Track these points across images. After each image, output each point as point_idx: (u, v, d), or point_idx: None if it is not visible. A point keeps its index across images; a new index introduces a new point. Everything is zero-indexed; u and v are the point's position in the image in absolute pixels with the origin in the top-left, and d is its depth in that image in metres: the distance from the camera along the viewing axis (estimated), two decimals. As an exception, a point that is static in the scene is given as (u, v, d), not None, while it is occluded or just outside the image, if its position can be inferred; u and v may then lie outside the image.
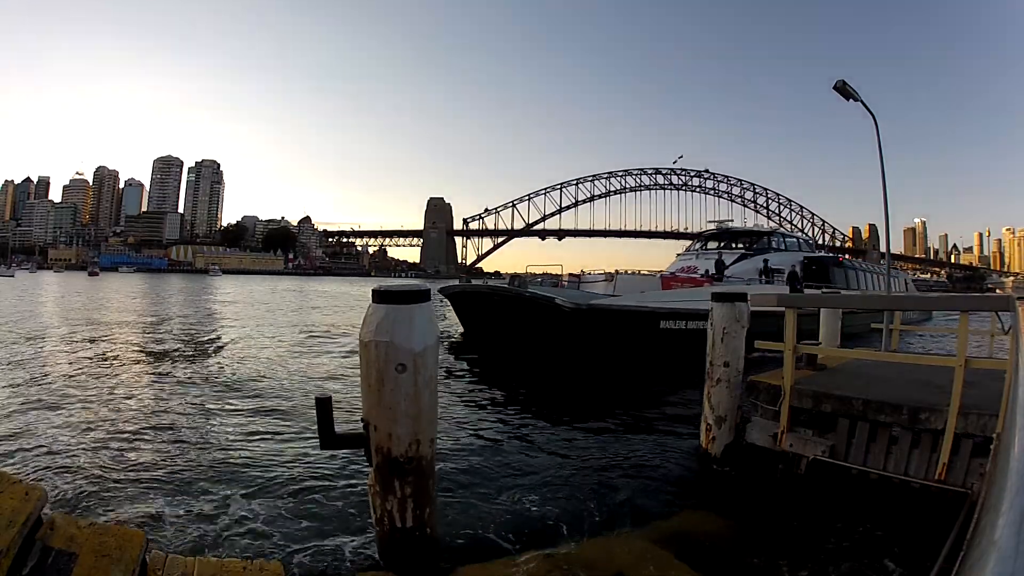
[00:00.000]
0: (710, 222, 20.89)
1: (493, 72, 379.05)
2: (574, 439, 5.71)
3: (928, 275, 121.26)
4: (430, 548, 2.88)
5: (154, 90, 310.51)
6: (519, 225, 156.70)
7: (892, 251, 12.43)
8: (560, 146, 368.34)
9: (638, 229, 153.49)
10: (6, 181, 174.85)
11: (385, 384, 2.66)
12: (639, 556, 3.21)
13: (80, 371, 8.68)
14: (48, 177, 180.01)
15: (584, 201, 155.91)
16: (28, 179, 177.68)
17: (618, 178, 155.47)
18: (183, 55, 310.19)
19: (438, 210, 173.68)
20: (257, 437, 5.46)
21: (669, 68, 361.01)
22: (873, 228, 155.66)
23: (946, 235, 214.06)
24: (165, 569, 2.22)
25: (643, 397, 7.77)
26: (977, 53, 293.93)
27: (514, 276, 12.71)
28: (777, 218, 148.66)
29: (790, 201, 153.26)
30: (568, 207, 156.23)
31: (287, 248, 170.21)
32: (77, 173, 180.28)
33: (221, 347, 12.12)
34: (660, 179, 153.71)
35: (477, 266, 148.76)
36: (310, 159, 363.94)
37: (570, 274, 14.45)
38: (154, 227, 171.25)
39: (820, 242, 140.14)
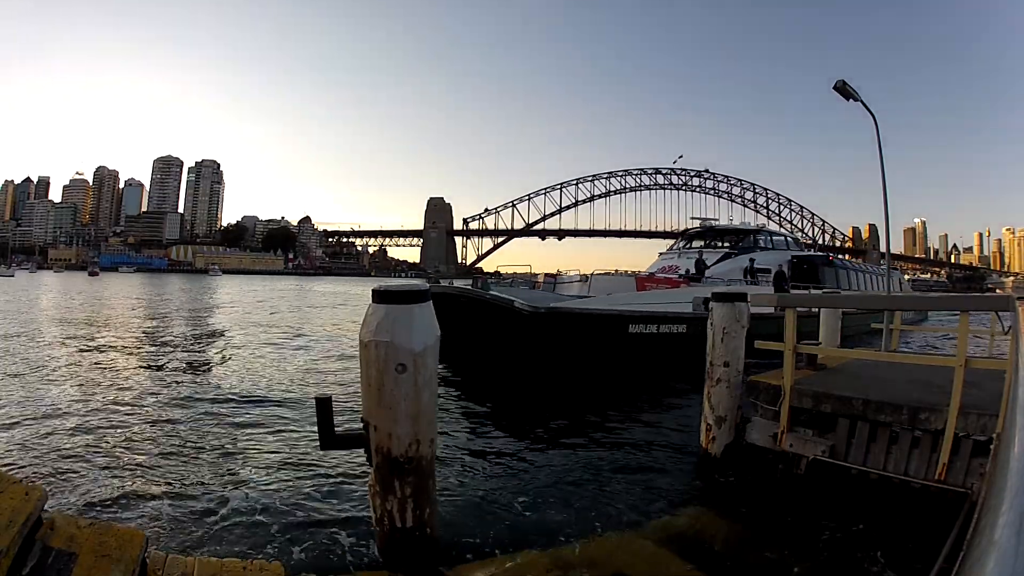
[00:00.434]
0: (693, 218, 20.06)
1: (493, 72, 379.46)
2: (573, 439, 5.71)
3: (928, 275, 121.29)
4: (430, 548, 2.88)
5: (154, 88, 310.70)
6: (519, 225, 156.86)
7: (892, 251, 12.36)
8: (560, 146, 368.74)
9: (638, 229, 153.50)
10: (6, 181, 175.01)
11: (385, 384, 2.66)
12: (639, 556, 3.21)
13: (80, 371, 8.68)
14: (48, 177, 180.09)
15: (584, 201, 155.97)
16: (28, 179, 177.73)
17: (618, 178, 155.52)
18: (183, 54, 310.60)
19: (438, 210, 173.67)
20: (257, 437, 5.46)
21: (669, 68, 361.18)
22: (873, 228, 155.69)
23: (946, 235, 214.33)
24: (165, 569, 2.22)
25: (643, 397, 7.77)
26: (977, 53, 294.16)
27: (476, 277, 11.94)
28: (777, 218, 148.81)
29: (790, 201, 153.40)
30: (568, 207, 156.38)
31: (287, 248, 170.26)
32: (77, 173, 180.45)
33: (221, 347, 12.12)
34: (660, 179, 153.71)
35: (477, 266, 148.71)
36: (310, 159, 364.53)
37: (546, 274, 14.01)
38: (154, 227, 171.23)
39: (820, 242, 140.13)
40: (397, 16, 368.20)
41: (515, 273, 14.27)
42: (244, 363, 10.01)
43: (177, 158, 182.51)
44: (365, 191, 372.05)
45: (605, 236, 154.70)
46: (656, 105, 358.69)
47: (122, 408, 6.42)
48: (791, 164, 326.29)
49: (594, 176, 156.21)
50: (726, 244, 17.01)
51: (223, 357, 10.69)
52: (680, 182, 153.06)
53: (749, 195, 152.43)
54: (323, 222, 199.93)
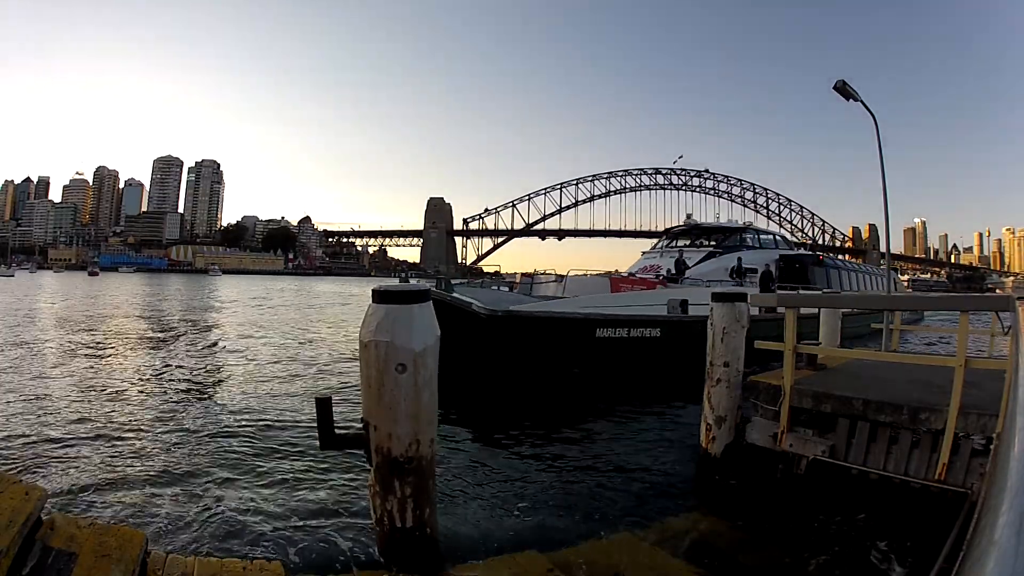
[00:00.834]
0: (687, 215, 19.11)
1: (493, 72, 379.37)
2: (573, 440, 5.71)
3: (928, 275, 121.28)
4: (430, 548, 2.88)
5: (154, 88, 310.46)
6: (519, 225, 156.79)
7: (892, 251, 12.20)
8: (560, 146, 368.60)
9: (638, 229, 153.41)
10: (6, 181, 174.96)
11: (385, 384, 2.66)
12: (638, 556, 3.21)
13: (80, 371, 8.68)
14: (48, 177, 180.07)
15: (584, 201, 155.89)
16: (28, 179, 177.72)
17: (618, 178, 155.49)
18: (183, 54, 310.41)
19: (438, 210, 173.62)
20: (257, 437, 5.46)
21: (669, 68, 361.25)
22: (873, 228, 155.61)
23: (946, 235, 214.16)
24: (165, 569, 2.22)
25: (642, 398, 7.76)
26: (977, 53, 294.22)
27: (439, 278, 11.06)
28: (777, 218, 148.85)
29: (790, 201, 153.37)
30: (568, 207, 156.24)
31: (287, 248, 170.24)
32: (77, 173, 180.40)
33: (220, 347, 12.12)
34: (660, 179, 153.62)
35: (477, 266, 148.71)
36: (310, 159, 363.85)
37: (523, 274, 13.50)
38: (154, 227, 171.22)
39: (820, 242, 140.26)
40: (397, 16, 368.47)
41: (496, 273, 13.71)
42: (244, 363, 10.01)
43: (177, 158, 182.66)
44: (365, 191, 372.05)
45: (605, 236, 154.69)
46: (656, 105, 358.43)
47: (122, 408, 6.42)
48: (791, 164, 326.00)
49: (594, 176, 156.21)
50: (712, 243, 16.26)
51: (223, 357, 10.69)
52: (680, 182, 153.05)
53: (749, 195, 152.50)
54: (323, 222, 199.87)
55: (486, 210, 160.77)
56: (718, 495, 4.26)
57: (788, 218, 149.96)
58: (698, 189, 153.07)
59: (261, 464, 4.68)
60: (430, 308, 2.81)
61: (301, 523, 3.57)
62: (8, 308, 20.61)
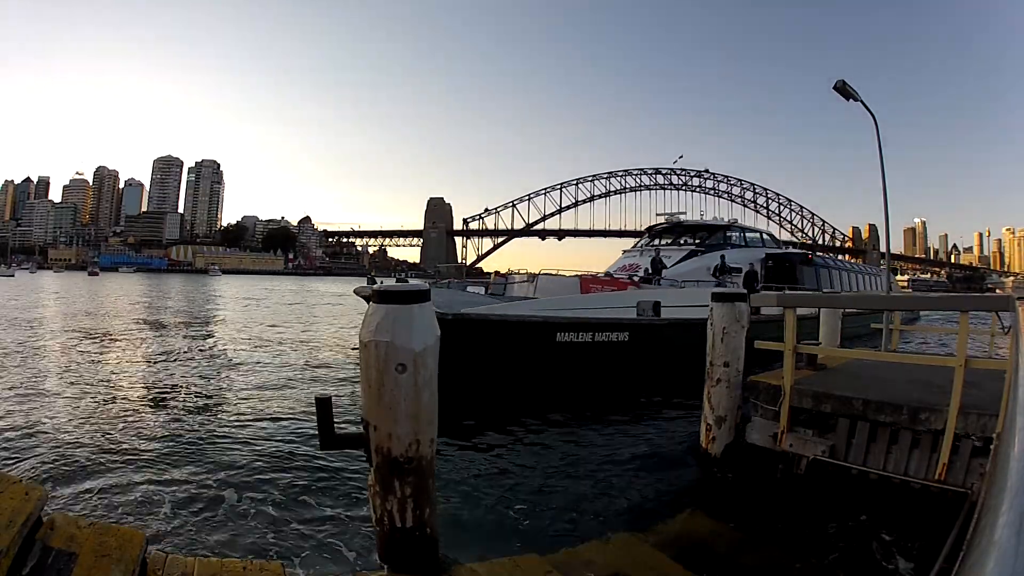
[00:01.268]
0: (659, 215, 18.15)
1: (493, 72, 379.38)
2: (572, 440, 5.71)
3: (928, 275, 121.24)
4: (430, 548, 2.88)
5: (154, 88, 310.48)
6: (519, 225, 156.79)
7: (892, 251, 12.12)
8: (560, 146, 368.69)
9: (638, 229, 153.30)
10: (6, 181, 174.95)
11: (385, 384, 2.66)
12: (638, 557, 3.21)
13: (80, 371, 8.68)
14: (48, 177, 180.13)
15: (584, 201, 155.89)
16: (28, 179, 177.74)
17: (618, 178, 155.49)
18: (183, 54, 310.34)
19: (438, 210, 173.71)
20: (257, 437, 5.46)
21: (669, 68, 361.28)
22: (873, 228, 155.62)
23: (946, 235, 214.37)
24: (165, 569, 2.21)
25: (642, 399, 7.76)
26: (977, 53, 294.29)
27: (399, 278, 10.09)
28: (777, 218, 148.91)
29: (790, 201, 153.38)
30: (568, 207, 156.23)
31: (287, 248, 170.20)
32: (77, 173, 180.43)
33: (220, 347, 12.12)
34: (660, 179, 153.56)
35: (477, 266, 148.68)
36: (310, 159, 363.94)
37: (496, 273, 13.06)
38: (154, 227, 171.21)
39: (820, 242, 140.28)
40: (397, 16, 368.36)
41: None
42: (244, 363, 10.01)
43: (177, 158, 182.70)
44: (365, 191, 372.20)
45: (605, 236, 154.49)
46: (656, 105, 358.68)
47: (122, 408, 6.42)
48: (791, 164, 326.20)
49: (594, 176, 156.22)
50: (696, 241, 15.49)
51: (223, 357, 10.69)
52: (680, 182, 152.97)
53: (749, 195, 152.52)
54: (323, 222, 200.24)
55: (486, 210, 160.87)
56: (718, 495, 4.25)
57: (788, 218, 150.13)
58: (698, 189, 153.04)
59: (261, 464, 4.68)
60: (430, 308, 2.81)
61: (301, 523, 3.57)
62: (8, 308, 20.61)
